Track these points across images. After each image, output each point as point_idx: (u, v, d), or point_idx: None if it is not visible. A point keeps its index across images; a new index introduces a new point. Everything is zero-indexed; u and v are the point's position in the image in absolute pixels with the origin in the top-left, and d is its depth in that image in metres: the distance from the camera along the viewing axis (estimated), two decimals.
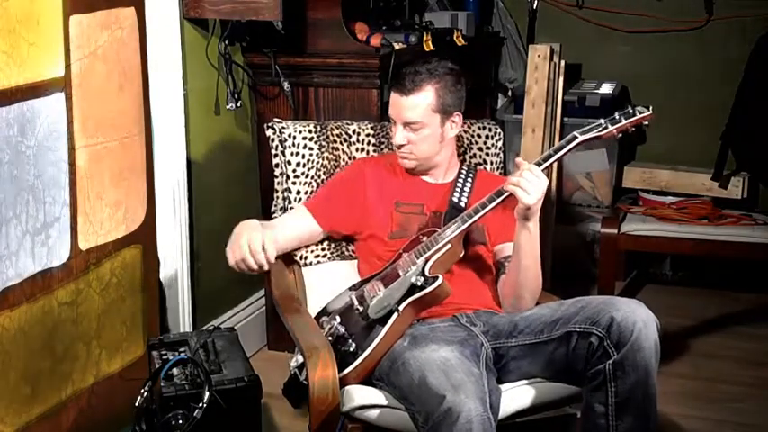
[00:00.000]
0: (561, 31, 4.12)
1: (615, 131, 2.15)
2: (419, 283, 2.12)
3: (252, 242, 2.19)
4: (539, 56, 3.80)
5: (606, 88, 3.96)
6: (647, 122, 2.17)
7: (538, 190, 2.06)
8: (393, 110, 2.35)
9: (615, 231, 3.55)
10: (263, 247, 2.19)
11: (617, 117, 2.15)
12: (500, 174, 2.67)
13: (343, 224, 2.44)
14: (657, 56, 4.12)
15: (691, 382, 3.15)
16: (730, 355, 3.38)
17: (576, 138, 2.14)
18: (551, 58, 3.80)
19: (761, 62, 3.65)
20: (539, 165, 2.11)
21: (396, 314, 2.09)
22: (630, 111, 2.17)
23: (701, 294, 3.94)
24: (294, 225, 2.43)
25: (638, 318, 1.95)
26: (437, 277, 2.11)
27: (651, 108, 2.17)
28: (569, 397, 2.09)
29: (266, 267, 2.22)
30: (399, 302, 2.11)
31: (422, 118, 2.30)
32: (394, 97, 2.34)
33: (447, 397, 1.81)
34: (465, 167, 2.47)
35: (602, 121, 2.16)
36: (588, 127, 2.16)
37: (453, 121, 2.35)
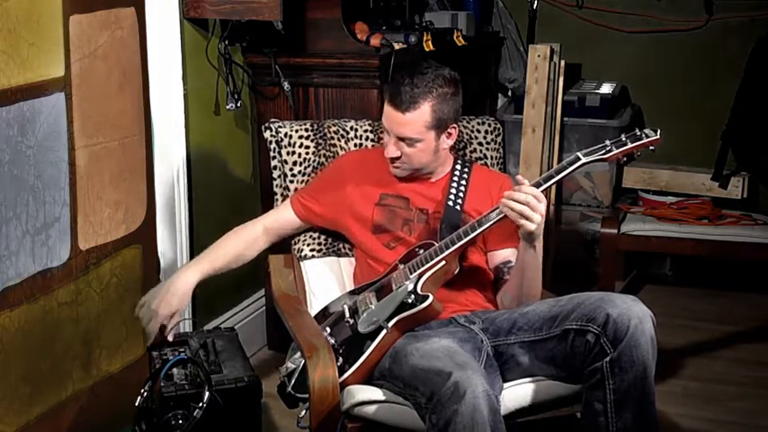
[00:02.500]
0: (561, 31, 4.12)
1: (620, 155, 2.09)
2: (409, 301, 2.11)
3: (154, 321, 2.30)
4: (539, 56, 3.80)
5: (606, 88, 3.96)
6: (653, 147, 2.10)
7: (538, 213, 2.03)
8: (387, 122, 2.28)
9: (615, 231, 3.55)
10: (163, 323, 2.30)
11: (623, 139, 2.09)
12: (499, 170, 2.66)
13: (318, 214, 2.42)
14: (657, 56, 4.12)
15: (691, 382, 3.15)
16: (730, 355, 3.38)
17: (579, 159, 2.09)
18: (551, 58, 3.80)
19: (761, 62, 3.65)
20: (539, 185, 2.07)
21: (384, 331, 2.09)
22: (638, 133, 2.09)
23: (701, 294, 3.93)
24: (277, 216, 2.49)
25: (633, 314, 1.95)
26: (427, 296, 2.10)
27: (659, 132, 2.09)
28: (569, 396, 2.09)
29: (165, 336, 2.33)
30: (389, 319, 2.10)
31: (417, 135, 2.25)
32: (388, 110, 2.26)
33: (453, 373, 1.81)
34: (459, 163, 2.41)
35: (607, 142, 2.10)
36: (592, 149, 2.11)
37: (449, 133, 2.30)
